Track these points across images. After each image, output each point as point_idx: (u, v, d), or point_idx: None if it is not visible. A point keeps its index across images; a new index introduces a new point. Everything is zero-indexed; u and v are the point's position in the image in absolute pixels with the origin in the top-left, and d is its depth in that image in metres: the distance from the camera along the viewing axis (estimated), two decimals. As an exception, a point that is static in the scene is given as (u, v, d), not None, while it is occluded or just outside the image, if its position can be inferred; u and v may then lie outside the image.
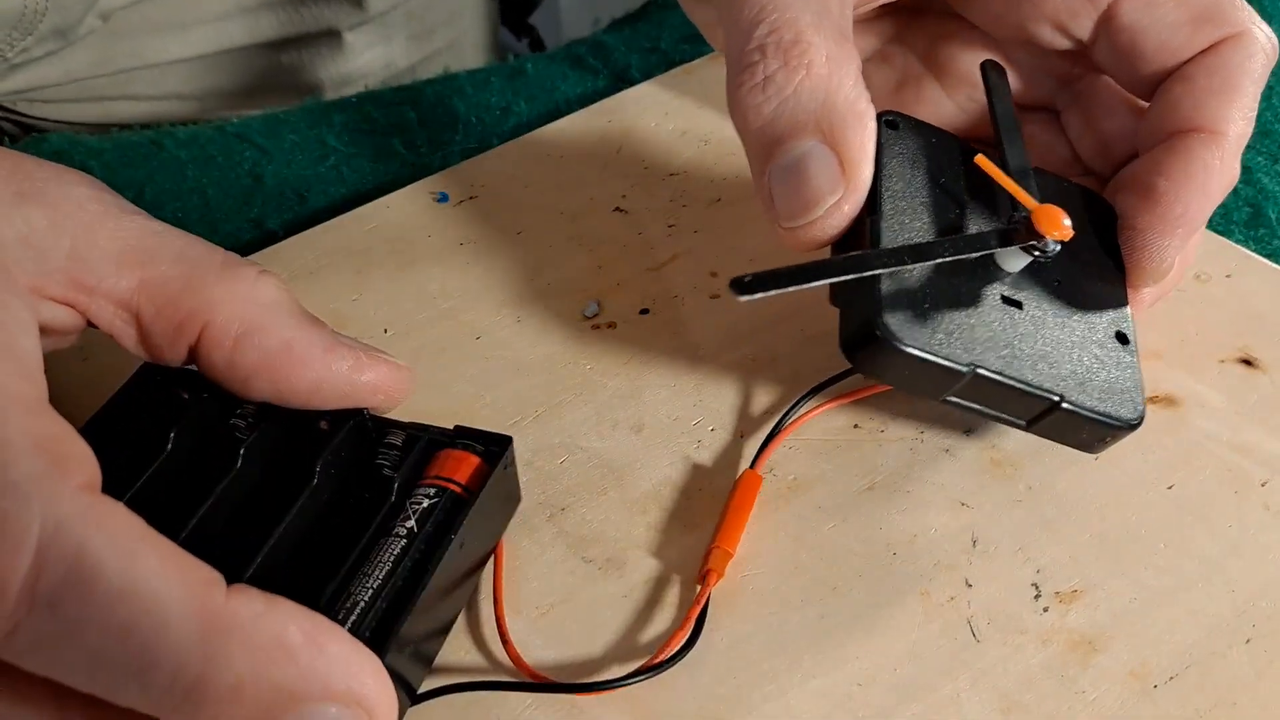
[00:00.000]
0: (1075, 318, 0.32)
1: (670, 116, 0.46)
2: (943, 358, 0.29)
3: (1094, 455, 0.33)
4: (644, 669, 0.29)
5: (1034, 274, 0.32)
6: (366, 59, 0.60)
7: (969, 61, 0.37)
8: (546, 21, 0.84)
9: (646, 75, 0.49)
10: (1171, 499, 0.34)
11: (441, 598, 0.29)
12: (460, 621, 0.31)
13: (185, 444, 0.30)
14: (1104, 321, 0.33)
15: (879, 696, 0.30)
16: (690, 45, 0.52)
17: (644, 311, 0.39)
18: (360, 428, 0.30)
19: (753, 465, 0.34)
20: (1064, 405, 0.30)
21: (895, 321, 0.29)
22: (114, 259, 0.28)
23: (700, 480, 0.34)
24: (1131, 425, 0.31)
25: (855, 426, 0.35)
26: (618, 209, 0.42)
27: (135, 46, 0.54)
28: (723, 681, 0.30)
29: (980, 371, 0.30)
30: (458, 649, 0.30)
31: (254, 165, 0.45)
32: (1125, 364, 0.32)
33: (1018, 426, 0.32)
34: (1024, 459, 0.35)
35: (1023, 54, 0.37)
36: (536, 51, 0.68)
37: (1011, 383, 0.30)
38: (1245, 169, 0.43)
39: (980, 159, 0.32)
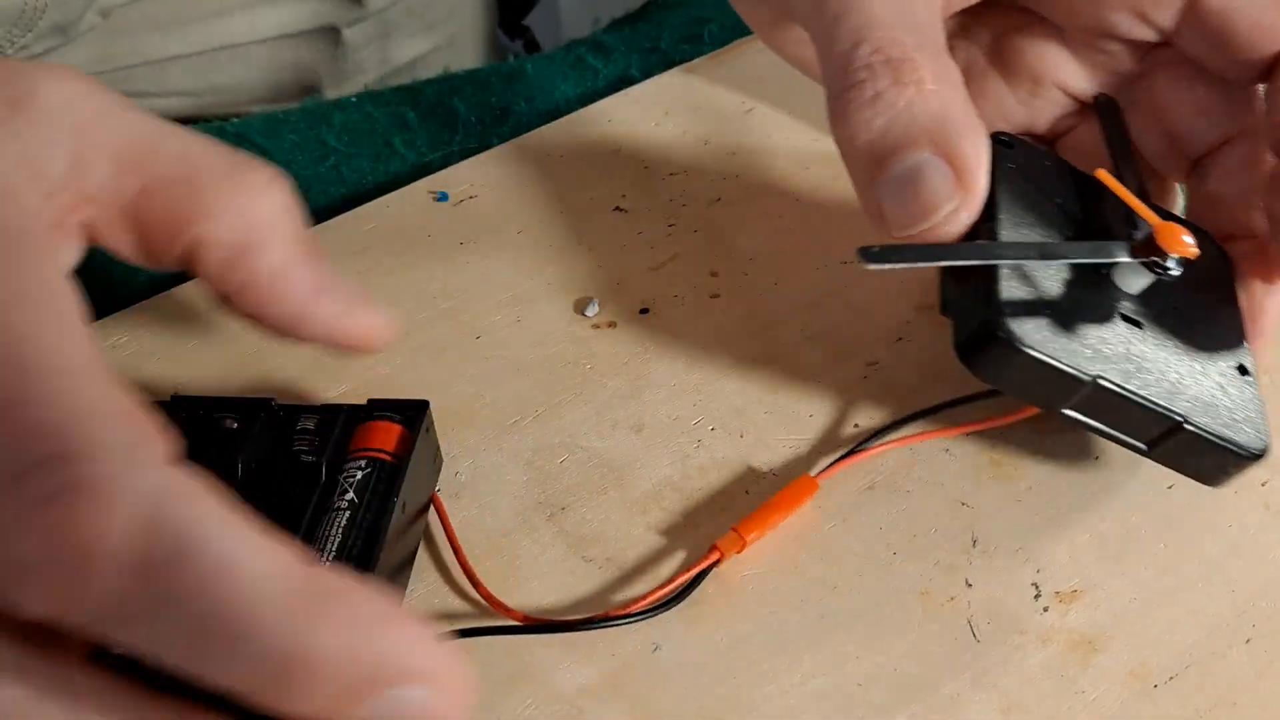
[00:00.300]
0: (1195, 345, 0.32)
1: (670, 116, 0.46)
2: (1065, 364, 0.29)
3: (1214, 487, 0.32)
4: (611, 616, 0.30)
5: (1152, 298, 0.32)
6: (365, 55, 0.60)
7: (1035, 54, 0.37)
8: (545, 21, 0.84)
9: (646, 75, 0.49)
10: (1171, 499, 0.34)
11: (392, 559, 0.30)
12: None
13: None
14: (1224, 352, 0.32)
15: (879, 696, 0.30)
16: (690, 45, 0.51)
17: (644, 311, 0.39)
18: (272, 419, 0.30)
19: (817, 474, 0.34)
20: (1188, 427, 0.30)
21: (1017, 324, 0.29)
22: (114, 161, 0.27)
23: (700, 480, 0.34)
24: (1256, 455, 0.30)
25: (855, 425, 0.35)
26: (618, 209, 0.42)
27: (135, 43, 0.54)
28: (723, 681, 0.30)
29: (1103, 383, 0.29)
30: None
31: (254, 164, 0.45)
32: (1248, 395, 0.32)
33: (1137, 450, 0.31)
34: (1024, 459, 0.35)
35: (1090, 48, 0.36)
36: (532, 53, 0.68)
37: (1135, 398, 0.30)
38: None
39: (1101, 173, 0.32)
